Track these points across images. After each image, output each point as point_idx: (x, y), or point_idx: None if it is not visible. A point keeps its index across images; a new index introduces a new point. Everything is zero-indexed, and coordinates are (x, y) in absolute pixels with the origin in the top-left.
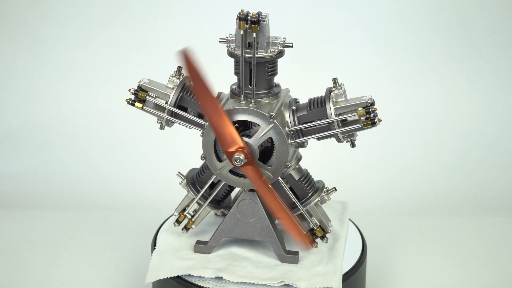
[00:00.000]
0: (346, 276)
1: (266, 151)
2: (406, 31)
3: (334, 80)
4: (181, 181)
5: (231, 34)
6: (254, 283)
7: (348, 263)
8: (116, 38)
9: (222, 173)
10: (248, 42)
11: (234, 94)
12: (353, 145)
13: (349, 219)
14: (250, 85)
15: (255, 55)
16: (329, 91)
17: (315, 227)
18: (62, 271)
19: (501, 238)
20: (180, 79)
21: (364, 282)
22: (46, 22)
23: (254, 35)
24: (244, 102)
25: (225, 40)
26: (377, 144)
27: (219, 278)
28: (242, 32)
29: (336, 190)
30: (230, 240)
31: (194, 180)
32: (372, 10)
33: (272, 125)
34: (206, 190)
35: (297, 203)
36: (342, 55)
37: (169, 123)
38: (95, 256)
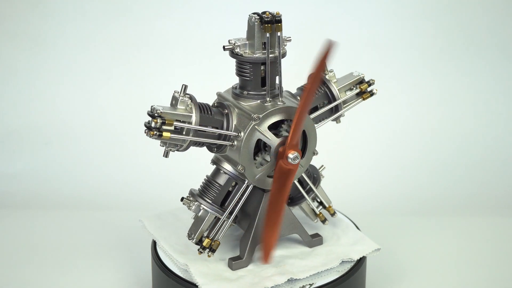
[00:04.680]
0: (346, 276)
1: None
2: (406, 32)
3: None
4: (190, 205)
5: (233, 39)
6: (318, 272)
7: (348, 263)
8: (116, 38)
9: (260, 179)
10: (264, 43)
11: (242, 96)
12: (339, 121)
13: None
14: (264, 86)
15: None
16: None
17: (326, 206)
18: (62, 271)
19: (502, 238)
20: (191, 98)
21: (364, 282)
22: (46, 22)
23: (279, 34)
24: (271, 103)
25: (231, 47)
26: (377, 144)
27: (289, 280)
28: (268, 34)
29: (324, 167)
30: None
31: (206, 199)
32: (371, 10)
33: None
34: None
35: (312, 186)
36: (342, 55)
37: (189, 146)
38: (95, 255)
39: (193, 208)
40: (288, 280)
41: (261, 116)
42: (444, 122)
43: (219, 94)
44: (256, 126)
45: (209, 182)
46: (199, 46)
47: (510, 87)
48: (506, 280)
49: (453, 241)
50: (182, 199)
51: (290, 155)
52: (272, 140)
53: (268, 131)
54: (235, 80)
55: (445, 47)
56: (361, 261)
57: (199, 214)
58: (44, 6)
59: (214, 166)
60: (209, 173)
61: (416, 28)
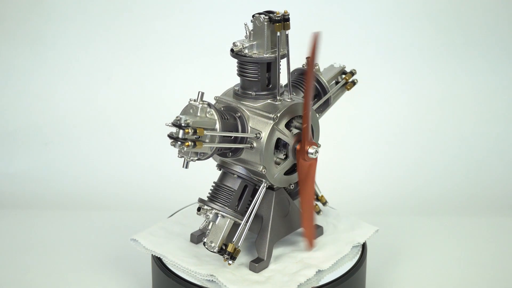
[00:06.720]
0: (346, 276)
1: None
2: (406, 31)
3: (308, 60)
4: (207, 214)
5: (237, 41)
6: (339, 259)
7: (348, 263)
8: (116, 38)
9: (278, 177)
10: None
11: (248, 97)
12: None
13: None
14: (270, 85)
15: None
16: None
17: (319, 195)
18: (62, 271)
19: (502, 238)
20: (209, 105)
21: (364, 282)
22: (46, 22)
23: (287, 32)
24: (281, 101)
25: (240, 48)
26: (377, 144)
27: (318, 272)
28: (278, 33)
29: None
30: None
31: (223, 206)
32: (372, 10)
33: (310, 112)
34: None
35: None
36: (342, 55)
37: (213, 154)
38: (95, 255)
39: (211, 216)
40: (317, 272)
41: (279, 115)
42: (445, 122)
43: (218, 99)
44: (275, 126)
45: (220, 187)
46: (198, 46)
47: (511, 87)
48: (506, 280)
49: (454, 241)
50: (199, 209)
51: (311, 150)
52: (290, 138)
53: (286, 129)
54: (234, 80)
55: (446, 47)
56: (361, 261)
57: (217, 221)
58: (44, 6)
59: (221, 171)
60: (215, 179)
61: (417, 27)
